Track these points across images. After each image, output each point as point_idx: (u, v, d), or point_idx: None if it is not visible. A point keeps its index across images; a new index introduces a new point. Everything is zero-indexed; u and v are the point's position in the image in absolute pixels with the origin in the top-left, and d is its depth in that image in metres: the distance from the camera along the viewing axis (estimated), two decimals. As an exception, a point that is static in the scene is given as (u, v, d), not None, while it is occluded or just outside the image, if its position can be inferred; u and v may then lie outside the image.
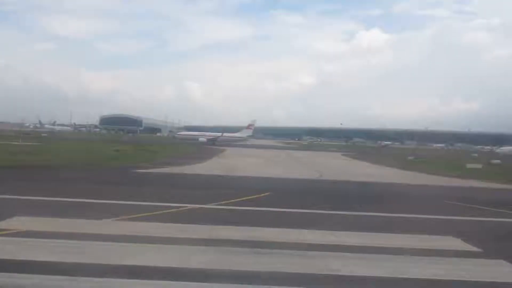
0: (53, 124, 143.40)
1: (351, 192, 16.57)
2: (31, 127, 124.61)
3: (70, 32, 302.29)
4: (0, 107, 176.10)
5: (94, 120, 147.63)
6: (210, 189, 14.97)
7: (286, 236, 7.86)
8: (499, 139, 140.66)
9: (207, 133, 70.46)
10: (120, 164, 23.30)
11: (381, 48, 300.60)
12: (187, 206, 10.65)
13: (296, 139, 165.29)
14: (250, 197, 12.91)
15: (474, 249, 7.62)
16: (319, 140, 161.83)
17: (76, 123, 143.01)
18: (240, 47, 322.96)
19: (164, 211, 9.79)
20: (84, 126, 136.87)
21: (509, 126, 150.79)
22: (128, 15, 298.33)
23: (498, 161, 44.80)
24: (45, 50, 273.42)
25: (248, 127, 74.91)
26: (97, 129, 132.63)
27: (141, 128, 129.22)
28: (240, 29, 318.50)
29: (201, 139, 64.35)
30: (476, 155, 72.42)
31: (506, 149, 72.42)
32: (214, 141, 63.91)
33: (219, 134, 67.74)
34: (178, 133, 75.67)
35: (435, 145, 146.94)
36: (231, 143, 67.52)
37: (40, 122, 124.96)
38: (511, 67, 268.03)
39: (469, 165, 35.88)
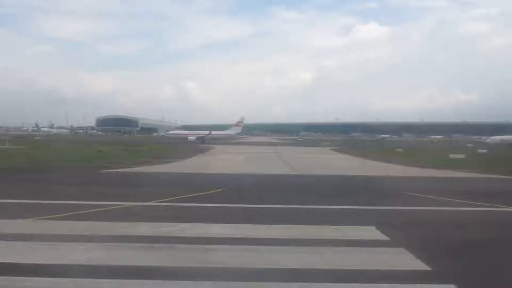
0: (51, 126, 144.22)
1: (309, 186, 16.47)
2: (30, 130, 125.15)
3: (69, 33, 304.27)
4: (0, 111, 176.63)
5: (92, 121, 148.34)
6: (164, 187, 14.91)
7: (191, 231, 7.80)
8: (499, 129, 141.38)
9: (196, 132, 70.48)
10: (93, 164, 23.26)
11: (379, 42, 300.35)
12: (122, 204, 10.59)
13: (295, 135, 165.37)
14: (198, 194, 12.86)
15: (384, 238, 7.56)
16: (317, 135, 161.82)
17: (74, 125, 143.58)
18: (238, 45, 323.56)
19: (91, 210, 9.72)
20: (81, 128, 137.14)
21: (509, 116, 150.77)
22: (126, 16, 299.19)
23: (484, 150, 44.68)
24: (43, 52, 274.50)
25: (237, 124, 75.09)
26: (94, 131, 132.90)
27: (137, 129, 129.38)
28: (238, 27, 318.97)
29: (190, 138, 64.41)
30: (471, 145, 72.34)
31: (496, 138, 72.23)
32: (203, 140, 63.95)
33: (207, 132, 67.76)
34: (167, 132, 75.64)
35: (433, 136, 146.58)
36: (224, 140, 67.58)
37: (36, 125, 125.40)
38: (510, 57, 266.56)
39: (452, 156, 35.81)
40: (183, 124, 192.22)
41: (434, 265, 5.92)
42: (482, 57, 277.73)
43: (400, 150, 48.44)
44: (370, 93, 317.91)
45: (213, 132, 69.94)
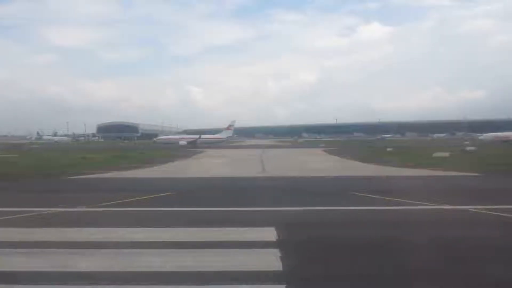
0: (54, 134, 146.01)
1: (260, 188, 16.64)
2: (33, 139, 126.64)
3: (71, 42, 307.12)
4: (6, 120, 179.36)
5: (94, 129, 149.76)
6: (114, 192, 15.01)
7: (104, 235, 8.00)
8: (503, 126, 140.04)
9: (187, 136, 70.90)
10: (66, 171, 23.44)
11: (382, 42, 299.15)
12: (50, 210, 10.79)
13: (296, 137, 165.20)
14: (141, 198, 13.12)
15: (271, 239, 7.67)
16: (319, 137, 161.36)
17: (76, 133, 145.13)
18: (239, 48, 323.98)
19: (17, 216, 9.94)
20: (83, 135, 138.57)
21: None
22: (127, 23, 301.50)
23: (473, 148, 44.29)
24: (47, 62, 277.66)
25: (228, 128, 75.41)
26: (95, 138, 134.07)
27: (138, 135, 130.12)
28: (239, 31, 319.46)
29: (181, 142, 64.84)
30: (467, 142, 71.83)
31: (489, 135, 71.41)
32: (195, 144, 64.35)
33: (197, 136, 68.20)
34: (159, 137, 76.36)
35: (436, 135, 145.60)
36: (216, 144, 67.90)
37: (38, 134, 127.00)
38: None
39: (435, 154, 35.63)
40: (184, 129, 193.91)
41: (289, 266, 6.03)
42: (486, 54, 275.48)
43: (390, 149, 48.35)
44: (374, 93, 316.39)
45: (204, 136, 70.23)
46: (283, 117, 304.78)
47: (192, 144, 63.86)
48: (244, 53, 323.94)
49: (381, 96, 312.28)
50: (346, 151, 47.16)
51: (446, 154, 35.61)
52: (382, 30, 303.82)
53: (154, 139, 79.76)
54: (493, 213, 10.15)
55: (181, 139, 68.15)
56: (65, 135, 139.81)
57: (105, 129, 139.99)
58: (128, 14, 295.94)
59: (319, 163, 31.35)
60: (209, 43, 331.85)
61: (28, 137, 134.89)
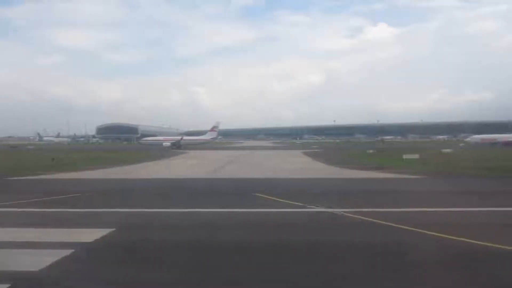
0: (57, 136, 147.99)
1: (188, 189, 16.83)
2: (36, 139, 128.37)
3: (77, 43, 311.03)
4: (13, 121, 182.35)
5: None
6: (36, 193, 14.92)
7: None
8: (507, 127, 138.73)
9: (170, 138, 71.25)
10: (17, 172, 23.63)
11: (387, 43, 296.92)
12: None
13: (298, 138, 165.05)
14: (48, 198, 13.37)
15: (89, 240, 7.71)
16: (320, 138, 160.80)
17: (76, 134, 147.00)
18: (245, 49, 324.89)
19: None
20: (83, 136, 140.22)
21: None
22: (133, 24, 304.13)
23: (449, 150, 43.75)
24: (53, 63, 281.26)
25: (212, 129, 75.74)
26: (95, 139, 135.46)
27: (137, 136, 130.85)
28: (244, 32, 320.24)
29: (165, 144, 65.20)
30: (463, 144, 70.96)
31: (476, 137, 70.28)
32: (178, 145, 64.68)
33: (179, 138, 68.54)
34: (143, 139, 77.06)
35: (437, 137, 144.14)
36: (201, 145, 68.37)
37: (39, 135, 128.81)
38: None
39: (405, 156, 35.27)
40: (186, 130, 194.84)
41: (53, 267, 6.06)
42: (492, 55, 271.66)
43: (371, 151, 48.08)
44: (379, 95, 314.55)
45: (188, 138, 70.69)
46: (287, 118, 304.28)
47: (176, 145, 64.19)
48: (249, 55, 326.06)
49: (386, 98, 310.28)
50: (328, 153, 47.05)
51: (416, 156, 35.23)
52: (388, 31, 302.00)
53: (140, 140, 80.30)
54: (356, 216, 10.11)
55: (165, 140, 68.52)
56: (66, 136, 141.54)
57: (105, 130, 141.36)
58: (133, 16, 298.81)
59: (282, 165, 31.29)
60: (215, 44, 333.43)
61: (32, 138, 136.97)
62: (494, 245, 7.25)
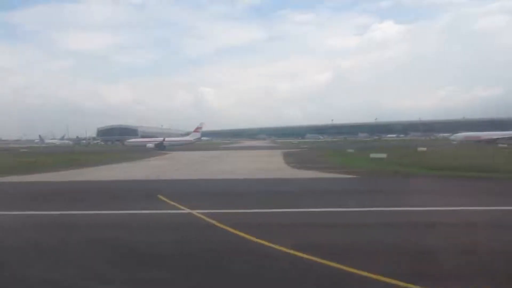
0: (62, 138, 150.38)
1: (99, 192, 17.17)
2: (40, 142, 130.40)
3: (85, 46, 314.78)
4: (21, 124, 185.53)
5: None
6: None
7: None
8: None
9: (153, 139, 71.91)
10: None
11: (395, 40, 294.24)
12: None
13: (300, 138, 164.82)
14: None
15: None
16: (322, 138, 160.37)
17: (79, 136, 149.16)
18: (252, 49, 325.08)
19: None
20: (84, 139, 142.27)
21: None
22: (140, 26, 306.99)
23: (424, 148, 43.36)
24: (60, 66, 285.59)
25: (196, 130, 76.48)
26: (96, 141, 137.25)
27: (137, 137, 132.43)
28: (251, 32, 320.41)
29: (148, 145, 65.92)
30: (455, 142, 70.06)
31: (460, 135, 69.31)
32: (161, 146, 65.36)
33: (161, 139, 69.16)
34: (128, 140, 77.99)
35: (441, 134, 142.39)
36: (185, 146, 69.25)
37: (40, 137, 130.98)
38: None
39: (372, 155, 35.18)
40: (186, 131, 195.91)
41: None
42: (500, 51, 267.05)
43: (351, 150, 47.94)
44: (384, 92, 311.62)
45: (171, 139, 71.49)
46: (294, 117, 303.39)
47: (159, 146, 64.88)
48: (257, 54, 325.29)
49: (393, 96, 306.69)
50: (305, 153, 47.17)
51: (383, 155, 35.09)
52: (395, 28, 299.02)
53: (125, 142, 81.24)
54: (203, 216, 10.56)
55: (149, 142, 69.29)
56: (68, 139, 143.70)
57: (105, 132, 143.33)
58: (140, 18, 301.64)
59: (242, 165, 31.62)
60: (222, 45, 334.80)
61: (37, 140, 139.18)
62: (276, 246, 7.45)
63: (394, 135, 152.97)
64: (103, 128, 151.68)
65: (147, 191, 16.63)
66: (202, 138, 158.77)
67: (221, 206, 11.94)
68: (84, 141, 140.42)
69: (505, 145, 52.78)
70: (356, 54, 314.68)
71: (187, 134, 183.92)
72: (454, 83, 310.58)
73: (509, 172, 19.97)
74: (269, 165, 31.39)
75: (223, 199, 14.26)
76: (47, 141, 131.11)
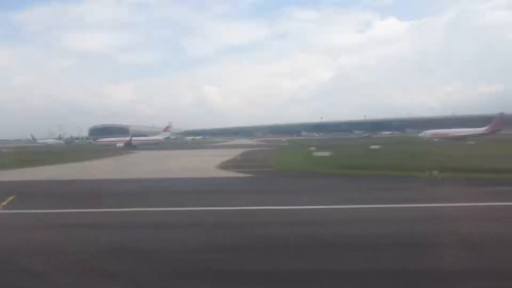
0: (58, 138, 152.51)
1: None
2: (36, 142, 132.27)
3: (87, 46, 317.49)
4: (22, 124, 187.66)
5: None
6: None
7: None
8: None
9: (122, 139, 72.61)
10: None
11: (398, 36, 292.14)
12: None
13: (295, 135, 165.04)
14: None
15: None
16: (316, 135, 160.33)
17: (72, 136, 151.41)
18: (254, 47, 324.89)
19: None
20: (77, 138, 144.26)
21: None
22: (143, 26, 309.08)
23: (377, 146, 43.28)
24: (62, 66, 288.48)
25: (165, 129, 77.52)
26: (88, 141, 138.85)
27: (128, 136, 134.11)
28: (254, 30, 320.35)
29: (118, 144, 66.72)
30: (436, 140, 69.49)
31: (429, 132, 68.72)
32: (130, 145, 66.16)
33: (128, 138, 69.97)
34: (98, 140, 79.06)
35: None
36: (157, 146, 70.24)
37: (32, 137, 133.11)
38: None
39: (315, 154, 35.43)
40: (184, 130, 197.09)
41: None
42: (505, 47, 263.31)
43: (312, 148, 48.06)
44: (386, 90, 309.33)
45: (140, 138, 72.65)
46: (294, 115, 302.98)
47: (129, 146, 65.68)
48: (260, 52, 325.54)
49: (394, 92, 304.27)
50: (263, 152, 47.43)
51: (327, 153, 35.28)
52: (398, 24, 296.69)
53: (96, 141, 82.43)
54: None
55: (118, 141, 70.12)
56: (62, 138, 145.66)
57: (97, 132, 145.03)
58: (143, 18, 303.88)
59: (187, 163, 32.47)
60: (225, 43, 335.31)
61: (28, 139, 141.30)
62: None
63: (390, 132, 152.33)
64: (95, 127, 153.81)
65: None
66: (197, 137, 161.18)
67: (44, 207, 12.35)
68: (77, 140, 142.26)
69: (473, 142, 52.51)
70: (358, 51, 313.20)
71: (182, 132, 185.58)
72: (457, 79, 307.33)
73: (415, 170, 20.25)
74: (204, 164, 31.81)
75: (68, 199, 14.46)
76: (39, 140, 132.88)
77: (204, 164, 31.68)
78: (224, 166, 28.69)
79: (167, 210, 11.73)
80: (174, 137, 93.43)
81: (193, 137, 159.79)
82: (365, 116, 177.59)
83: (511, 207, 11.45)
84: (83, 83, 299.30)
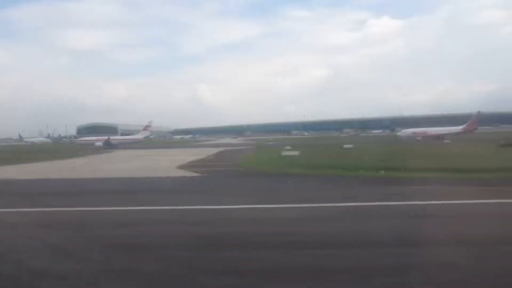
0: (47, 136, 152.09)
1: None
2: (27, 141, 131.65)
3: (81, 44, 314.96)
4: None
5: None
6: None
7: None
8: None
9: (101, 138, 72.46)
10: None
11: (391, 35, 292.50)
12: None
13: (286, 134, 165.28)
14: None
15: None
16: (306, 134, 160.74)
17: (61, 135, 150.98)
18: (248, 46, 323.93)
19: None
20: (65, 137, 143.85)
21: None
22: (136, 24, 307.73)
23: (350, 146, 43.41)
24: (56, 64, 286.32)
25: (145, 128, 77.83)
26: (76, 139, 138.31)
27: (118, 135, 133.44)
28: (247, 29, 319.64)
29: (97, 143, 66.70)
30: (419, 138, 69.75)
31: (407, 131, 69.14)
32: (109, 144, 66.12)
33: (106, 137, 69.91)
34: (78, 139, 79.06)
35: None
36: (135, 144, 70.50)
37: (19, 136, 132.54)
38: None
39: (284, 153, 35.50)
40: (174, 129, 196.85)
41: None
42: (497, 45, 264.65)
43: (288, 147, 48.10)
44: (385, 87, 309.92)
45: (119, 137, 72.87)
46: (292, 113, 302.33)
47: (108, 145, 65.65)
48: (253, 51, 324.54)
49: (392, 90, 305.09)
50: (242, 151, 47.49)
51: (296, 153, 35.38)
52: (392, 23, 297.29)
53: (76, 140, 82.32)
54: None
55: (97, 140, 70.05)
56: (51, 137, 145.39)
57: (85, 131, 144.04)
58: (136, 16, 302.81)
59: (152, 162, 32.81)
60: (218, 42, 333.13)
61: (15, 138, 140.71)
62: None
63: (380, 131, 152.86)
64: (83, 126, 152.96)
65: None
66: (186, 136, 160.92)
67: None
68: (65, 138, 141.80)
69: (449, 141, 53.05)
70: (352, 50, 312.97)
71: (172, 131, 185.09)
72: (451, 77, 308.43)
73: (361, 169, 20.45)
74: (168, 163, 31.76)
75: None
76: (26, 139, 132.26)
77: (169, 163, 31.66)
78: (186, 165, 28.68)
79: (71, 210, 11.79)
80: (152, 136, 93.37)
81: (181, 136, 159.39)
82: (351, 115, 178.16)
83: (401, 206, 11.52)
84: (76, 81, 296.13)
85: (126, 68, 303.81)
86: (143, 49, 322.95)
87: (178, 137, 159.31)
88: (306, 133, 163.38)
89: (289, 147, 47.66)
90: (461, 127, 62.19)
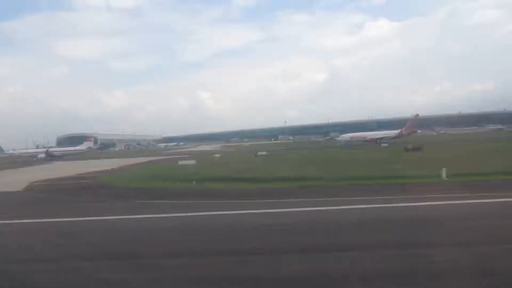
0: (36, 147, 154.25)
1: None
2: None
3: (80, 53, 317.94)
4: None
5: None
6: None
7: None
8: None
9: (42, 150, 74.02)
10: None
11: (389, 37, 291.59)
12: None
13: (272, 139, 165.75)
14: None
15: None
16: (291, 138, 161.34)
17: (45, 146, 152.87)
18: (247, 51, 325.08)
19: None
20: (45, 147, 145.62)
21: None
22: (136, 32, 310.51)
23: (264, 153, 43.87)
24: (54, 74, 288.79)
25: (89, 139, 79.75)
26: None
27: (98, 145, 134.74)
28: (247, 34, 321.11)
29: (40, 155, 68.13)
30: (386, 145, 69.32)
31: (346, 136, 69.17)
32: (52, 156, 67.50)
33: (45, 149, 71.48)
34: (21, 151, 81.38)
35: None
36: (80, 155, 71.37)
37: (0, 148, 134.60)
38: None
39: (180, 162, 36.18)
40: (162, 136, 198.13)
41: None
42: (494, 46, 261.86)
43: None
44: (383, 89, 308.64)
45: (62, 149, 74.48)
46: (289, 118, 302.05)
47: (50, 156, 67.01)
48: (252, 56, 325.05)
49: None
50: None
51: (193, 162, 35.99)
52: (389, 26, 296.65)
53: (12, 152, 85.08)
54: None
55: (40, 152, 71.61)
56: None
57: (64, 141, 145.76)
58: (136, 24, 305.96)
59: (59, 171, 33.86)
60: (218, 48, 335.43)
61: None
62: None
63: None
64: (62, 136, 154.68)
65: None
66: (170, 144, 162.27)
67: None
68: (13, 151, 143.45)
69: (387, 145, 53.03)
70: (350, 53, 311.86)
71: (158, 140, 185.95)
72: (449, 78, 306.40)
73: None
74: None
75: None
76: (7, 151, 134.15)
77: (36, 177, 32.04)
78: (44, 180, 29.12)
79: None
80: (96, 147, 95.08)
81: (165, 144, 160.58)
82: (328, 120, 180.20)
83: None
84: (75, 91, 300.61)
85: (123, 76, 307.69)
86: (141, 56, 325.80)
87: (162, 145, 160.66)
88: (291, 138, 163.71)
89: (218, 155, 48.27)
90: (397, 131, 62.23)
